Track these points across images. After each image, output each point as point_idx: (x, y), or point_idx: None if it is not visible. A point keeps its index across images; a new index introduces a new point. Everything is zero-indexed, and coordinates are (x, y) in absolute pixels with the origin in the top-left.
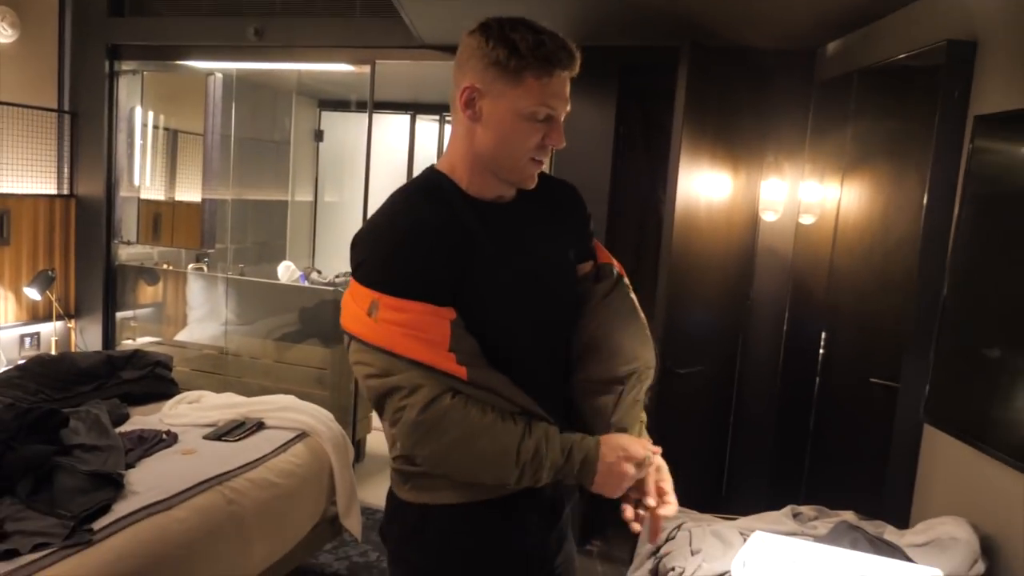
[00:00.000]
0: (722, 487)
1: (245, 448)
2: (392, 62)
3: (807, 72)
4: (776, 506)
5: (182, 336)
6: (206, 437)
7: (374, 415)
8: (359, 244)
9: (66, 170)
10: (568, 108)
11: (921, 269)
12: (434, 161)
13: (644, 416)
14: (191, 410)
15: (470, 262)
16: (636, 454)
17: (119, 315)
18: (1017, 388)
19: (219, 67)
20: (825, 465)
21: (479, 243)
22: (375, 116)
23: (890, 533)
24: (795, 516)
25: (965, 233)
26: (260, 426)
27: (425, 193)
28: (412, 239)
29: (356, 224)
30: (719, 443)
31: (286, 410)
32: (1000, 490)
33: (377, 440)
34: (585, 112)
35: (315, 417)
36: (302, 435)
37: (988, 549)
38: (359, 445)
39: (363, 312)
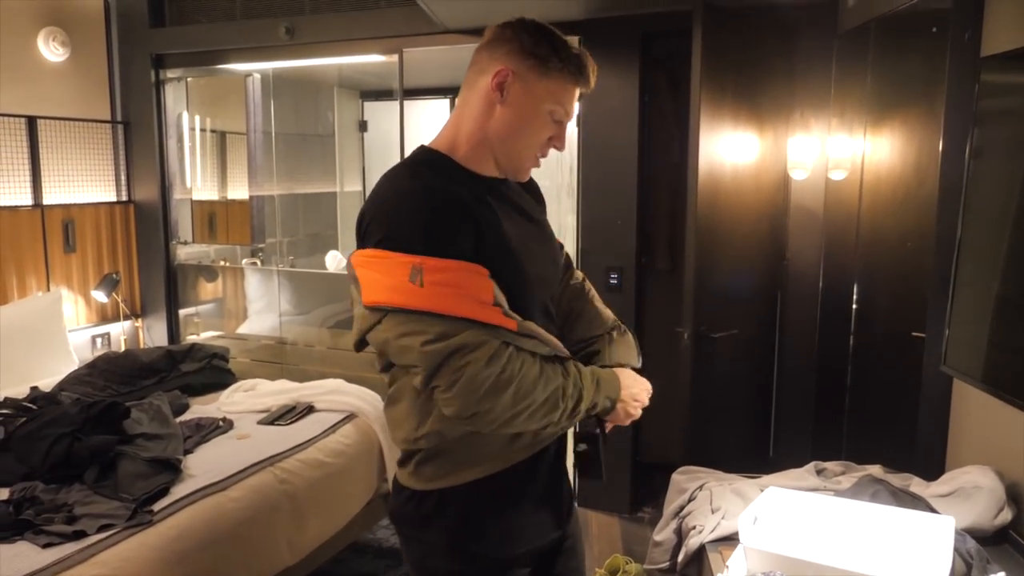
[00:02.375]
0: (769, 449)
1: (296, 431)
2: (424, 48)
3: (829, 24)
4: None
5: (243, 329)
6: (260, 422)
7: None
8: (379, 218)
9: (123, 177)
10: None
11: (940, 215)
12: None
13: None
14: (246, 397)
15: (479, 225)
16: (646, 389)
17: (182, 312)
18: None
19: (256, 67)
20: (862, 421)
21: (483, 209)
22: (414, 103)
23: (916, 485)
24: (819, 472)
25: (977, 177)
26: (310, 409)
27: (427, 167)
28: (439, 204)
29: None
30: (764, 405)
31: (334, 393)
32: (1022, 436)
33: None
34: (608, 83)
35: (362, 398)
36: (350, 416)
37: (1016, 496)
38: None
39: (403, 281)
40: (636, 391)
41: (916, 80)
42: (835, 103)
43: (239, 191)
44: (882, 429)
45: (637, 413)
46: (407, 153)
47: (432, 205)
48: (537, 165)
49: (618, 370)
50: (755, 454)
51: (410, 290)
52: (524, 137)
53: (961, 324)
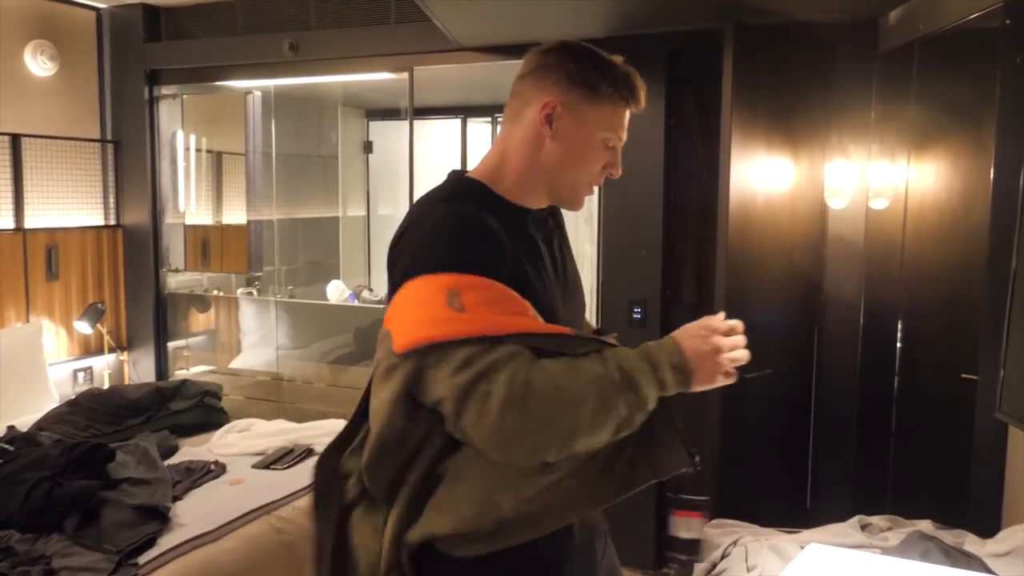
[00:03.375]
0: (806, 500)
1: (294, 476)
2: (435, 67)
3: (869, 45)
4: None
5: (236, 363)
6: (255, 466)
7: None
8: (410, 247)
9: (112, 200)
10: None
11: (991, 247)
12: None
13: None
14: (240, 439)
15: (515, 263)
16: (716, 324)
17: (171, 345)
18: None
19: (257, 85)
20: (909, 471)
21: (520, 245)
22: (424, 123)
23: (971, 543)
24: (864, 527)
25: None
26: (309, 452)
27: (464, 197)
28: (476, 230)
29: None
30: (800, 451)
31: (335, 434)
32: None
33: None
34: None
35: None
36: None
37: None
38: None
39: (440, 310)
40: (701, 334)
41: (964, 104)
42: (876, 128)
43: (235, 215)
44: (931, 480)
45: (720, 373)
46: (416, 176)
47: (468, 229)
48: (591, 193)
49: (675, 332)
50: (791, 505)
51: (449, 318)
52: (579, 168)
53: (1017, 366)
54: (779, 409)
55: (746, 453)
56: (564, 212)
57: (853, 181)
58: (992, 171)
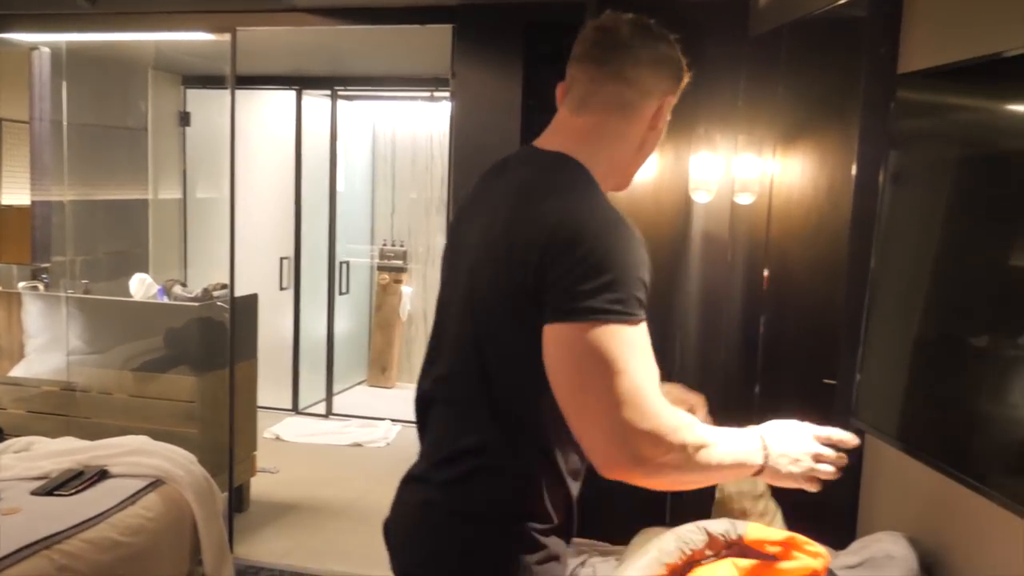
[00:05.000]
0: (665, 513)
1: (82, 503)
2: (263, 29)
3: (740, 28)
4: None
5: (19, 371)
6: (34, 492)
7: (258, 455)
8: (608, 266)
9: None
10: None
11: (852, 246)
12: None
13: None
14: (17, 460)
15: None
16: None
17: None
18: (951, 386)
19: (45, 39)
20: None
21: None
22: (253, 93)
23: None
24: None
25: (894, 204)
26: (103, 475)
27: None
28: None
29: (240, 223)
30: None
31: (136, 454)
32: (939, 501)
33: (263, 485)
34: (485, 81)
35: (172, 460)
36: (156, 483)
37: (929, 567)
38: (241, 491)
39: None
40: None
41: (830, 95)
42: (743, 117)
43: (18, 195)
44: (789, 490)
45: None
46: (242, 154)
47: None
48: None
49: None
50: (650, 517)
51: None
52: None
53: (874, 371)
54: None
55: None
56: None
57: (719, 174)
58: (854, 168)
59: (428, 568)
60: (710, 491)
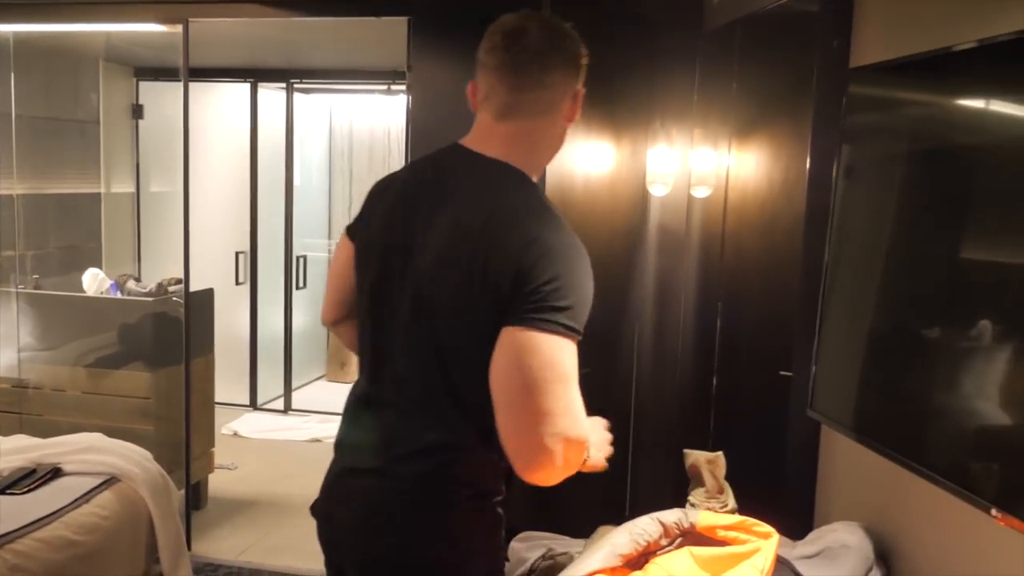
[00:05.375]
0: (625, 505)
1: (35, 501)
2: (216, 20)
3: (695, 22)
4: None
5: None
6: None
7: (216, 451)
8: (566, 277)
9: None
10: None
11: (806, 239)
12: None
13: None
14: None
15: None
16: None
17: None
18: (902, 376)
19: None
20: (728, 474)
21: None
22: (207, 86)
23: (782, 546)
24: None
25: (846, 198)
26: (56, 473)
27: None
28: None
29: (195, 217)
30: (619, 455)
31: (89, 451)
32: (894, 490)
33: (221, 482)
34: (441, 76)
35: (126, 457)
36: (110, 480)
37: (884, 555)
38: (199, 488)
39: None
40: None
41: (785, 89)
42: (698, 111)
43: None
44: (746, 481)
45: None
46: (196, 148)
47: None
48: None
49: None
50: (610, 511)
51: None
52: None
53: (829, 363)
54: (598, 410)
55: None
56: None
57: (675, 167)
58: (808, 162)
59: (407, 552)
60: (668, 483)
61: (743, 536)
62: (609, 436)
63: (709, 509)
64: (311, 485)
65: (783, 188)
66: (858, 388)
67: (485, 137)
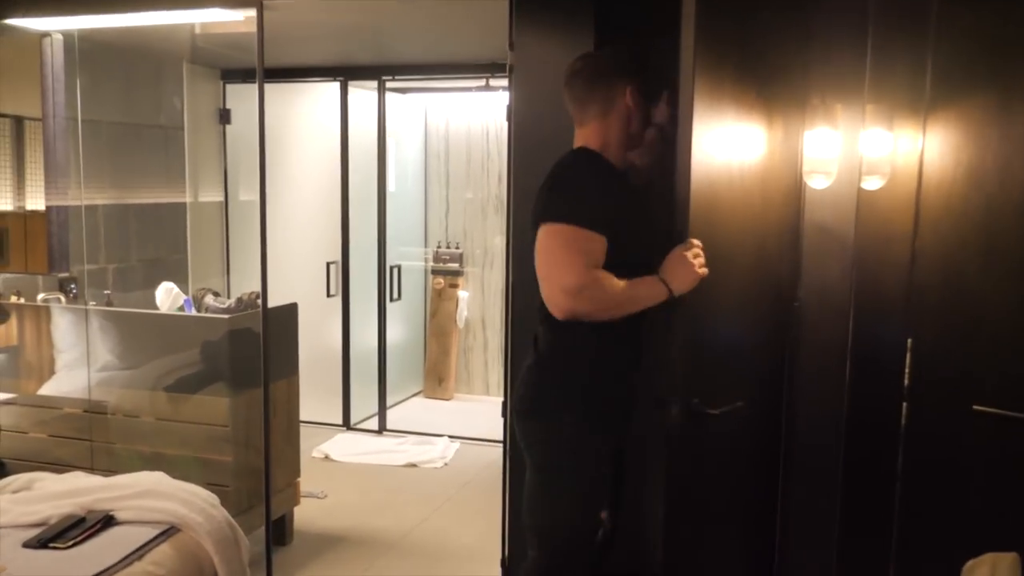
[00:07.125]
0: (772, 571)
1: (81, 557)
2: (298, 5)
3: None
4: None
5: (48, 389)
6: (27, 544)
7: (304, 479)
8: None
9: None
10: None
11: None
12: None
13: None
14: (13, 503)
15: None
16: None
17: None
18: None
19: (55, 25)
20: (921, 533)
21: (626, 191)
22: (296, 85)
23: None
24: None
25: None
26: (108, 521)
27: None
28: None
29: (283, 227)
30: (768, 509)
31: (147, 496)
32: None
33: (309, 514)
34: (548, 61)
35: (188, 503)
36: (169, 530)
37: None
38: (283, 522)
39: None
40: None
41: (1017, 37)
42: (872, 84)
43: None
44: (952, 543)
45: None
46: (286, 151)
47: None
48: None
49: None
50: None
51: None
52: None
53: None
54: (742, 453)
55: (703, 509)
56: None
57: (839, 154)
58: None
59: None
60: None
61: None
62: (690, 258)
63: None
64: (406, 517)
65: (997, 179)
66: None
67: (576, 140)
